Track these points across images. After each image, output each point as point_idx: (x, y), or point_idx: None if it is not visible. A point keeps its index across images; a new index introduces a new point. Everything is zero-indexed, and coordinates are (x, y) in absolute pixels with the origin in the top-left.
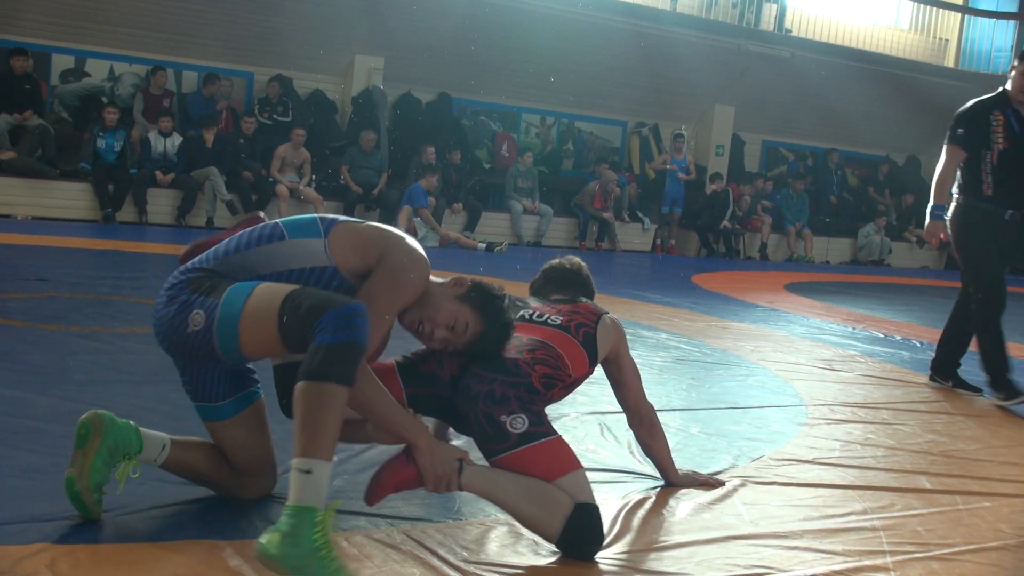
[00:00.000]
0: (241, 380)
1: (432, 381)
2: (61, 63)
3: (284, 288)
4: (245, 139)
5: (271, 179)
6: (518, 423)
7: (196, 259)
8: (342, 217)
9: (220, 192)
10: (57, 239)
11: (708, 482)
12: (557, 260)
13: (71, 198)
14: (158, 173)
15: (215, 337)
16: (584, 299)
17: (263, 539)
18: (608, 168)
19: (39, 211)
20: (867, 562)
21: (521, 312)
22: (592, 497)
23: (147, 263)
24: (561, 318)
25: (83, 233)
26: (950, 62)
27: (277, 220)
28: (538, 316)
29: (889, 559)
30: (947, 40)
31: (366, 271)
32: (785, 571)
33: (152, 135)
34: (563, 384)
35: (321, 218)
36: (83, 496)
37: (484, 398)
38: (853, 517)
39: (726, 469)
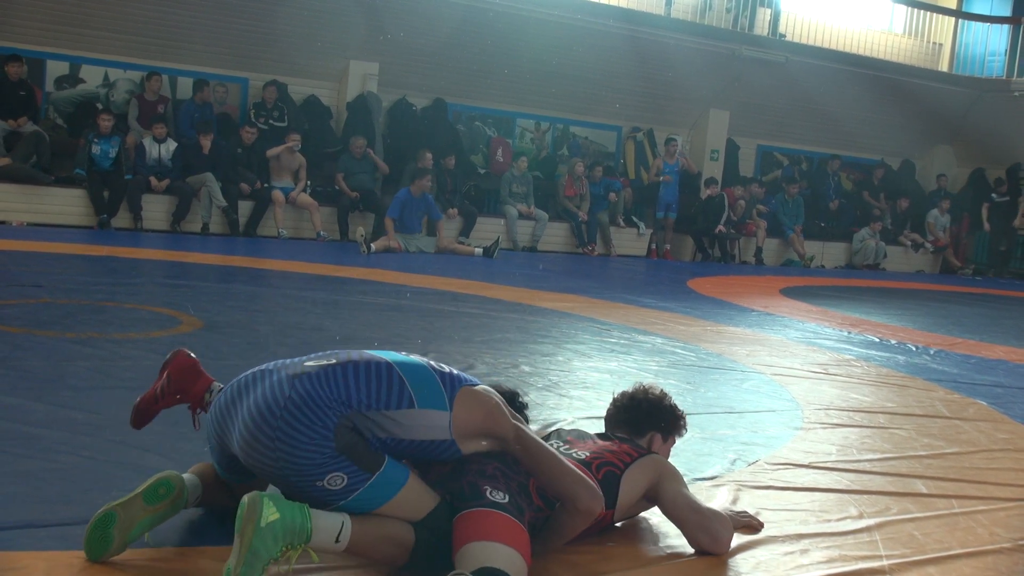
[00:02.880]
0: None
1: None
2: (56, 69)
3: (430, 500)
4: (243, 149)
5: (266, 185)
6: (498, 496)
7: (329, 394)
8: (460, 376)
9: (216, 198)
10: (52, 245)
11: (750, 524)
12: (629, 391)
13: (66, 204)
14: (153, 179)
15: (344, 503)
16: (640, 439)
17: None
18: (577, 159)
19: (34, 217)
20: (863, 566)
21: (549, 441)
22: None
23: (142, 269)
24: (587, 453)
25: (78, 239)
26: (944, 66)
27: (396, 369)
28: (565, 449)
29: (886, 563)
30: (941, 44)
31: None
32: (782, 575)
33: (147, 141)
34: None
35: (442, 380)
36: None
37: (475, 472)
38: (849, 521)
39: (721, 474)
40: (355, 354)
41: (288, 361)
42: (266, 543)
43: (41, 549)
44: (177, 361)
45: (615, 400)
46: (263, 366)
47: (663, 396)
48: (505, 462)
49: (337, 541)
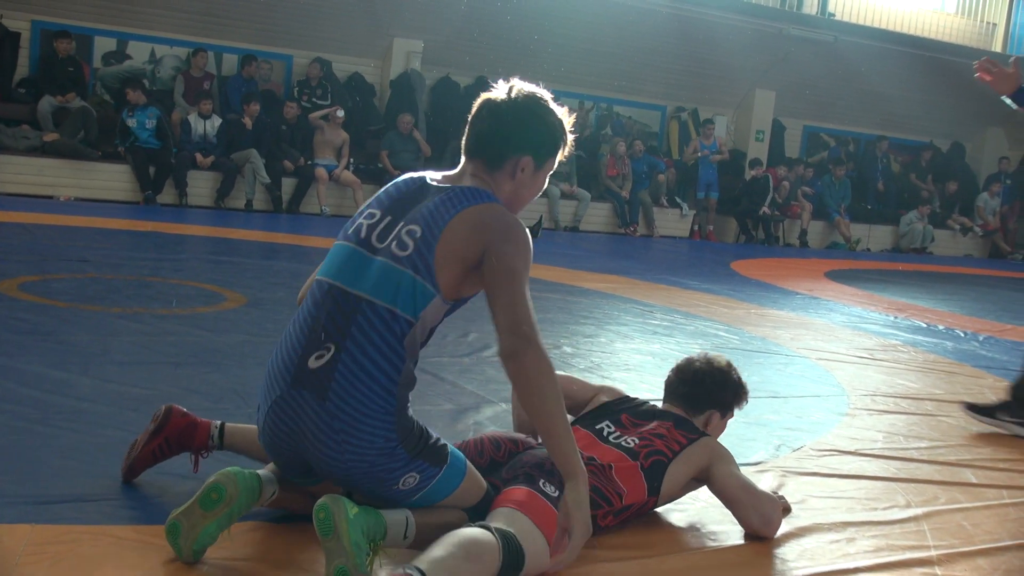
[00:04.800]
0: None
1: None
2: (103, 45)
3: (481, 487)
4: (287, 126)
5: (310, 162)
6: (549, 488)
7: (366, 399)
8: (436, 234)
9: (260, 175)
10: (99, 220)
11: (785, 507)
12: (695, 362)
13: (113, 180)
14: (198, 155)
15: (416, 498)
16: (697, 416)
17: None
18: (619, 139)
19: (81, 192)
20: (911, 556)
21: (599, 425)
22: (536, 557)
23: (187, 245)
24: (636, 440)
25: (124, 215)
26: (997, 47)
27: (379, 306)
28: (613, 436)
29: (934, 553)
30: (995, 24)
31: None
32: (828, 564)
33: (192, 117)
34: (609, 508)
35: (417, 268)
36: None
37: (533, 465)
38: (896, 511)
39: (766, 460)
40: (339, 319)
41: (287, 358)
42: (358, 537)
43: (87, 523)
44: (172, 424)
45: (679, 369)
46: (273, 374)
47: (729, 370)
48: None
49: (405, 537)
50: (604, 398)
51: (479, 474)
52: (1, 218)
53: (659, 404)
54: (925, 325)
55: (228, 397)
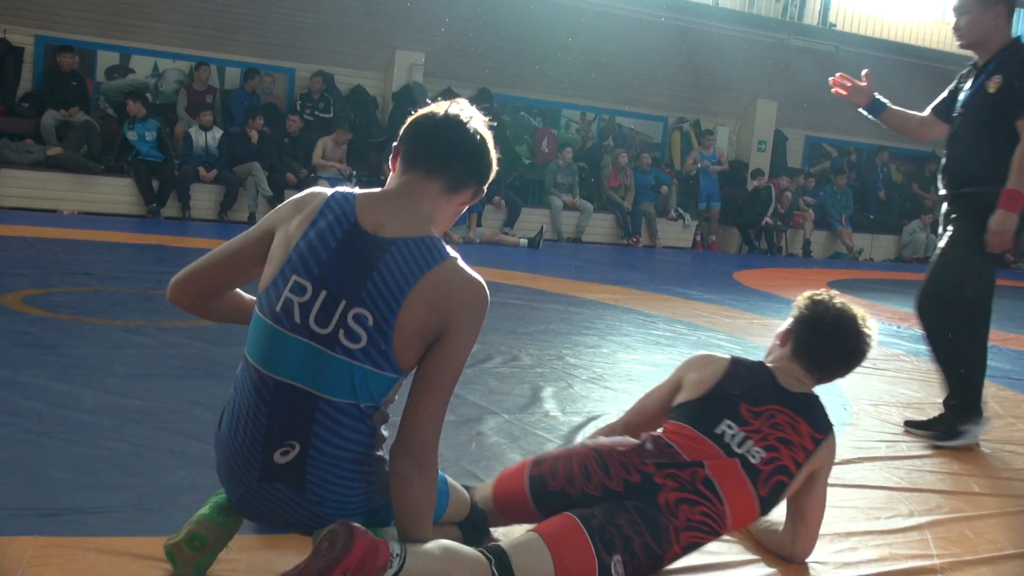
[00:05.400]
0: None
1: (562, 498)
2: (106, 60)
3: (466, 496)
4: (289, 138)
5: (313, 174)
6: (618, 569)
7: (345, 481)
8: (395, 310)
9: (262, 188)
10: (102, 234)
11: None
12: (845, 317)
13: (116, 193)
14: (201, 169)
15: None
16: (828, 381)
17: None
18: (621, 150)
19: (85, 206)
20: (914, 565)
21: (719, 428)
22: None
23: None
24: (763, 454)
25: (128, 228)
26: None
27: (348, 402)
28: (738, 442)
29: (937, 562)
30: None
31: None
32: (831, 573)
33: (193, 130)
34: (705, 542)
35: (374, 359)
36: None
37: (623, 537)
38: (900, 519)
39: None
40: (298, 419)
41: (246, 452)
42: None
43: (89, 535)
44: (356, 552)
45: (817, 321)
46: (233, 464)
47: (872, 329)
48: (653, 530)
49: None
50: (695, 375)
51: (458, 485)
52: (5, 232)
53: (768, 360)
54: None
55: None
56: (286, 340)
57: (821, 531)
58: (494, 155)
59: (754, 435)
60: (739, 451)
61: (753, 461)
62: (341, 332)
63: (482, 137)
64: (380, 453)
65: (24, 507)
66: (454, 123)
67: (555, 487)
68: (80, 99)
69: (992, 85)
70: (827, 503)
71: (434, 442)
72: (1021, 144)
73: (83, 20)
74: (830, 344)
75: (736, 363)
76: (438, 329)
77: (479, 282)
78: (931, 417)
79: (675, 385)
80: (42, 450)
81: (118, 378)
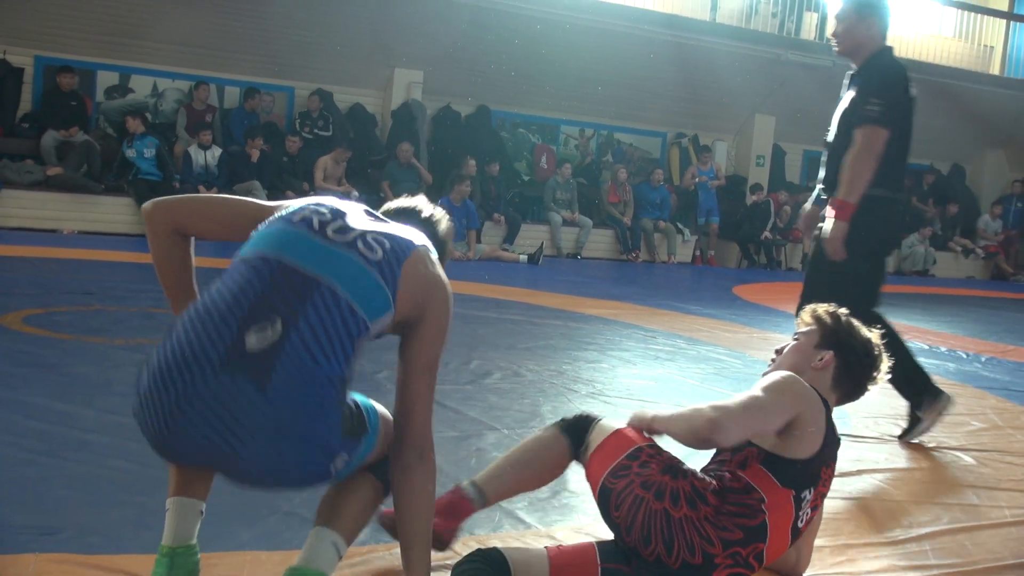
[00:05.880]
0: None
1: (629, 557)
2: (106, 80)
3: (388, 419)
4: (289, 157)
5: (313, 192)
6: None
7: (313, 403)
8: (401, 259)
9: None
10: (102, 253)
11: None
12: (859, 332)
13: (116, 213)
14: (200, 187)
15: (340, 475)
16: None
17: None
18: (620, 165)
19: (85, 226)
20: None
21: (803, 493)
22: None
23: None
24: (809, 514)
25: (128, 247)
26: (995, 69)
27: (349, 299)
28: (805, 505)
29: (936, 573)
30: (992, 47)
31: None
32: None
33: (192, 149)
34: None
35: (384, 277)
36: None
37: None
38: (899, 531)
39: None
40: (290, 295)
41: (210, 338)
42: None
43: (91, 552)
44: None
45: (865, 354)
46: (180, 361)
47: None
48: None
49: (340, 558)
50: (811, 428)
51: (385, 410)
52: (5, 252)
53: (813, 384)
54: (927, 347)
55: None
56: (300, 236)
57: (821, 543)
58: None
59: (817, 498)
60: (800, 515)
61: (800, 525)
62: (360, 243)
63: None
64: (346, 403)
65: (26, 525)
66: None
67: (630, 542)
68: (80, 119)
69: (853, 93)
70: (826, 515)
71: (430, 428)
72: (849, 153)
73: (82, 40)
74: (872, 380)
75: (828, 409)
76: (420, 307)
77: (442, 275)
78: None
79: (786, 422)
80: (44, 469)
81: (118, 397)
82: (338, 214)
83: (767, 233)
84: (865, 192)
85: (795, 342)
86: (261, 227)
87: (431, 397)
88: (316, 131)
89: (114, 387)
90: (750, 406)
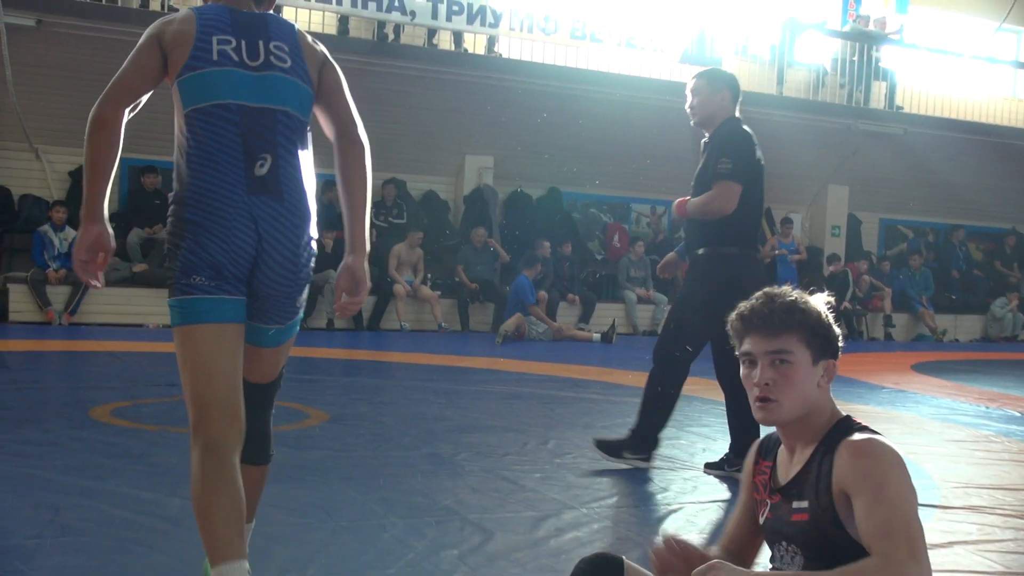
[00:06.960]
0: None
1: None
2: None
3: None
4: None
5: (388, 279)
6: None
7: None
8: (298, 51)
9: None
10: None
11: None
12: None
13: None
14: None
15: (292, 324)
16: None
17: None
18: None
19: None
20: None
21: None
22: None
23: None
24: None
25: None
26: None
27: (295, 112)
28: None
29: None
30: None
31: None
32: None
33: None
34: None
35: (301, 77)
36: None
37: None
38: None
39: None
40: (263, 132)
41: (229, 174)
42: None
43: None
44: None
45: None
46: (217, 193)
47: None
48: None
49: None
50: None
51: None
52: (95, 347)
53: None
54: (1019, 414)
55: (312, 512)
56: (234, 75)
57: None
58: None
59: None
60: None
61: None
62: (273, 59)
63: None
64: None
65: None
66: None
67: None
68: (163, 217)
69: (706, 156)
70: None
71: (352, 113)
72: (707, 194)
73: (165, 141)
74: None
75: None
76: (318, 75)
77: (319, 44)
78: (722, 456)
79: None
80: (131, 556)
81: None
82: (238, 33)
83: (847, 303)
84: (719, 249)
85: (785, 366)
86: (188, 75)
87: (346, 98)
88: (391, 219)
89: None
90: (919, 532)
